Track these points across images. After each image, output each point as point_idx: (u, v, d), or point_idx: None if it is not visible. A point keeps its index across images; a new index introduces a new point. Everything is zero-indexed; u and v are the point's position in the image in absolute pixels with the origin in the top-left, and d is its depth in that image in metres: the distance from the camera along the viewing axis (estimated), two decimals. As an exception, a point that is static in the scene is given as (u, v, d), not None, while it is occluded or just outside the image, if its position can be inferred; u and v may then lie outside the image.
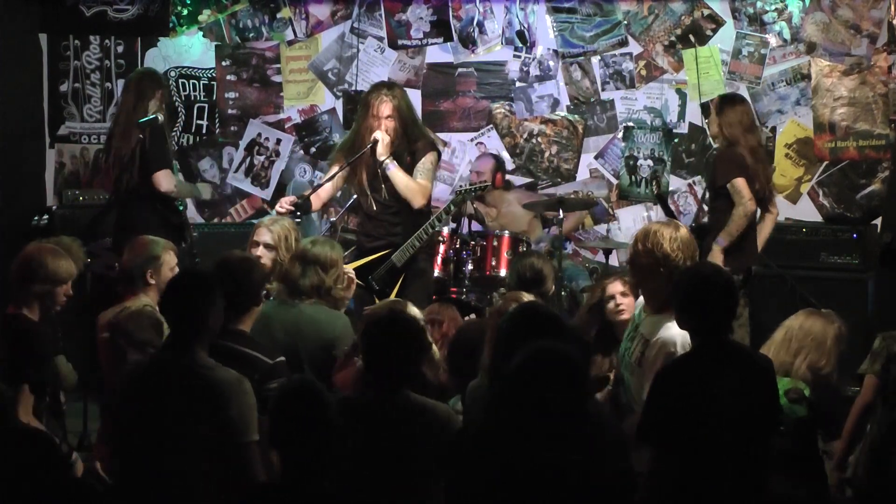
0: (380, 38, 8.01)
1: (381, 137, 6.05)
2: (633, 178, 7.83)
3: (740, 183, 6.06)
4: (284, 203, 6.08)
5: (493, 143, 7.98)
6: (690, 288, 3.89)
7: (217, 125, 8.19)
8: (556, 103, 7.92)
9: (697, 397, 3.73)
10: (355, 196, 6.38)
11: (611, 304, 5.17)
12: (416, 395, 3.75)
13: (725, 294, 3.87)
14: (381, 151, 6.06)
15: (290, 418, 3.18)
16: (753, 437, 3.80)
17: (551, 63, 7.87)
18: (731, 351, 3.89)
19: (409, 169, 6.12)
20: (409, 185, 6.08)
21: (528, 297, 4.73)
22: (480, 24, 7.89)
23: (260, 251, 5.37)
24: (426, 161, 6.15)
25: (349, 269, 5.83)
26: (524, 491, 3.08)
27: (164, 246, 5.14)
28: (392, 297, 5.94)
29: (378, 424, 3.65)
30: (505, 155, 7.97)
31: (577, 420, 3.11)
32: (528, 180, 7.94)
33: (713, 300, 3.82)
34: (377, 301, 5.96)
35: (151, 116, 6.76)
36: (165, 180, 6.40)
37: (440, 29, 7.97)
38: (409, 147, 6.15)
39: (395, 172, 6.08)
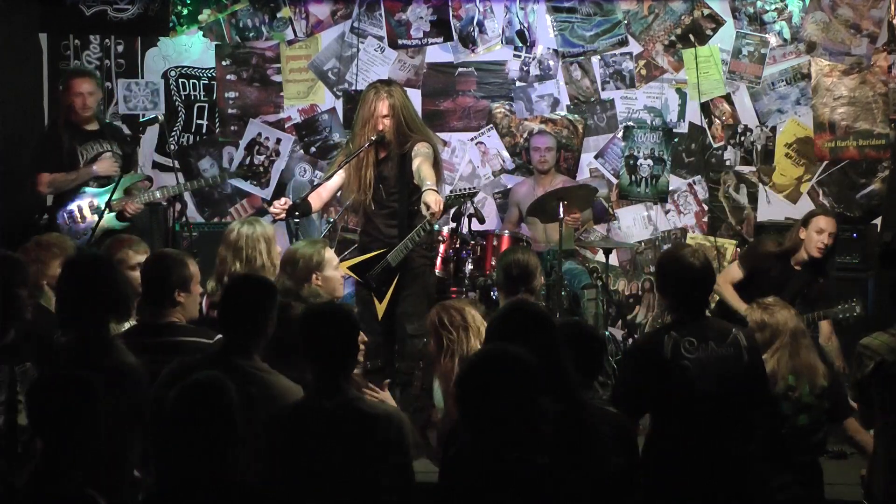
0: (380, 38, 8.01)
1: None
2: (632, 177, 7.83)
3: None
4: (278, 205, 5.96)
5: (493, 142, 7.98)
6: (664, 264, 4.23)
7: (217, 125, 8.19)
8: (556, 103, 7.92)
9: (666, 368, 3.97)
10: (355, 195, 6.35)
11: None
12: (356, 394, 3.62)
13: (698, 272, 4.09)
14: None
15: (194, 412, 3.13)
16: (734, 410, 3.98)
17: (551, 63, 7.87)
18: (707, 326, 4.11)
19: (397, 169, 5.98)
20: None
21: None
22: (480, 24, 7.89)
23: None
24: (419, 157, 5.86)
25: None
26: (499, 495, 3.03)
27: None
28: (388, 295, 5.94)
29: (322, 422, 3.51)
30: (504, 154, 7.97)
31: (537, 422, 3.02)
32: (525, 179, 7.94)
33: (685, 278, 4.08)
34: (375, 299, 5.97)
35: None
36: None
37: (440, 28, 7.97)
38: (401, 148, 6.01)
39: None
